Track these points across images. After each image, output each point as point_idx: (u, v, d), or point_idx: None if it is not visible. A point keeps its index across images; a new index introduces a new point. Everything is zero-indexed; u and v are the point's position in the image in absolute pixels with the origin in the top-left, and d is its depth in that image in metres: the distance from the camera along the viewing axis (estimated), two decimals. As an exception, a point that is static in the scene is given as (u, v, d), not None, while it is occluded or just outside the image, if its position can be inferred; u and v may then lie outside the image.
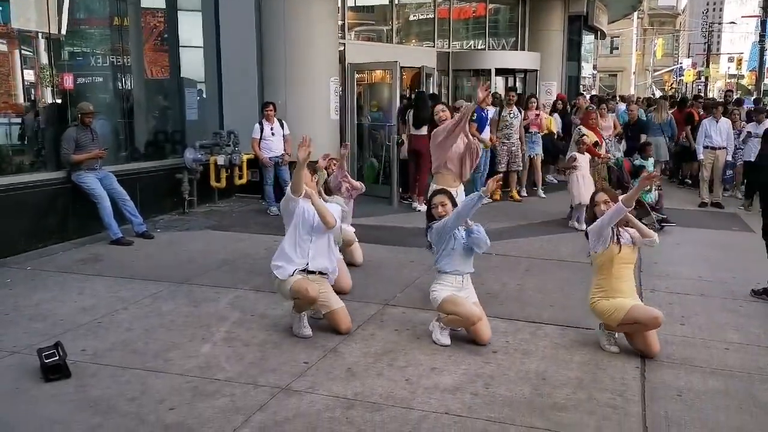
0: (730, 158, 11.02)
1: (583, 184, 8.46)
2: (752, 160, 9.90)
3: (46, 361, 4.01)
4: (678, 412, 3.74)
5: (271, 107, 9.46)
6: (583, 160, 8.73)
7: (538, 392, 3.93)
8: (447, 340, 4.64)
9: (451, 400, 3.83)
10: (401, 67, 10.58)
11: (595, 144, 9.03)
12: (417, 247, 7.43)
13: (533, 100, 11.56)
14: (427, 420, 3.61)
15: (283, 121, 9.55)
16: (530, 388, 4.00)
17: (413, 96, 10.92)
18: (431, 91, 11.85)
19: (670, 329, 5.01)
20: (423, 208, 9.98)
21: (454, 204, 4.81)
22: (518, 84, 15.38)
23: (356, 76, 11.39)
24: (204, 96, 10.84)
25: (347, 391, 3.94)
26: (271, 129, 9.40)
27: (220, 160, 9.57)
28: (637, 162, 9.29)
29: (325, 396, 3.87)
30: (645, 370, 4.29)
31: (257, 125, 9.44)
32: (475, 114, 9.22)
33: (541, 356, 4.50)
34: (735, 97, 17.81)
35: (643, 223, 4.75)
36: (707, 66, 47.83)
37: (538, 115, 11.30)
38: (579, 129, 9.37)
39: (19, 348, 4.51)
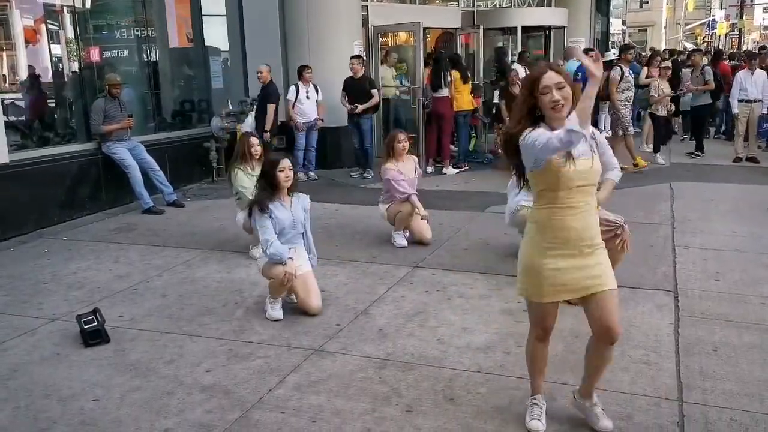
0: (765, 111, 10.72)
1: None
2: None
3: (86, 327, 4.11)
4: (713, 367, 3.70)
5: (309, 70, 9.33)
6: None
7: (571, 350, 3.92)
8: None
9: (483, 359, 3.84)
10: (425, 28, 10.40)
11: None
12: (446, 210, 7.42)
13: (657, 57, 11.35)
14: (460, 378, 3.63)
15: (317, 87, 9.44)
16: (563, 345, 3.99)
17: (432, 58, 10.71)
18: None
19: (705, 285, 4.95)
20: (452, 171, 9.97)
21: None
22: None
23: (380, 39, 11.24)
24: (228, 64, 10.83)
25: (379, 351, 3.97)
26: (306, 93, 9.31)
27: (246, 127, 9.57)
28: None
29: (357, 356, 3.91)
30: (679, 326, 4.25)
31: (293, 87, 9.34)
32: None
33: (574, 314, 4.46)
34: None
35: None
36: (741, 18, 46.13)
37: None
38: None
39: (58, 315, 4.63)
